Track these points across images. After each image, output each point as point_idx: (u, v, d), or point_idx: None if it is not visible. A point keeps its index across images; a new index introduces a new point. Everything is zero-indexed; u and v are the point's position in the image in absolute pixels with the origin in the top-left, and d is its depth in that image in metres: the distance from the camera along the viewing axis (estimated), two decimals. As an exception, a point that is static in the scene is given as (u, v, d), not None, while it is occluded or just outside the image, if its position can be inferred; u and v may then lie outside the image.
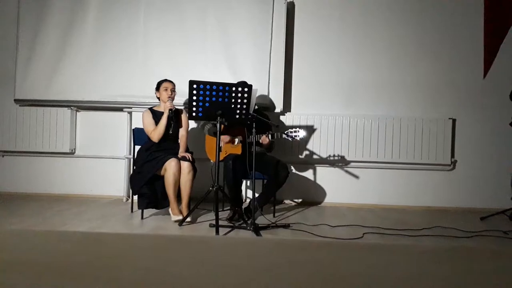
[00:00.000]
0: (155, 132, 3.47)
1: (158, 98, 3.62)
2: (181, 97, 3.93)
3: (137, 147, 3.68)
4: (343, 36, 4.49)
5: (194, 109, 3.05)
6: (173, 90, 3.57)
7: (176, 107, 3.67)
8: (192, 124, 4.32)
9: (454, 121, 4.39)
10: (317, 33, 4.49)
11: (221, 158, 3.43)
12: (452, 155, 4.38)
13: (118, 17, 4.40)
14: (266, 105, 4.27)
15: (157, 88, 3.61)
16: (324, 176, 4.45)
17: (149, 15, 4.38)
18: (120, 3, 4.40)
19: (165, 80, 3.60)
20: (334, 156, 4.36)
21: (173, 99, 3.56)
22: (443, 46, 4.42)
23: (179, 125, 3.62)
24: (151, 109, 3.62)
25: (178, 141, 3.61)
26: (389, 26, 4.45)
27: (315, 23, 4.49)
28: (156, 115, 3.54)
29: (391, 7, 4.45)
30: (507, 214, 3.77)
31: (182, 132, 3.62)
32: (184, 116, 3.65)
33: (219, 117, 3.07)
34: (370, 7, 4.46)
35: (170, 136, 3.56)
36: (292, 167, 4.42)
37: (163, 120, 3.46)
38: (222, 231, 3.03)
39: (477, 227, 3.39)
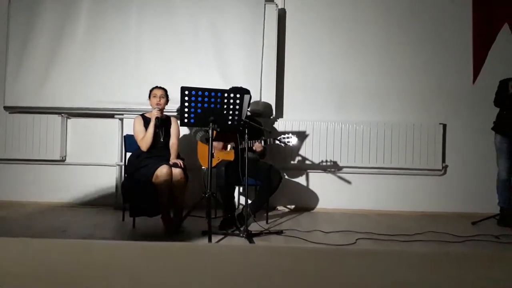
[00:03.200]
0: (143, 141, 3.45)
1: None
2: (174, 103, 3.92)
3: (129, 154, 3.65)
4: (335, 42, 4.52)
5: (186, 115, 3.04)
6: (162, 97, 3.54)
7: (167, 114, 3.66)
8: (185, 130, 4.30)
9: (444, 126, 4.42)
10: (309, 39, 4.52)
11: (213, 165, 3.41)
12: (443, 160, 4.41)
13: (109, 22, 4.38)
14: (259, 111, 4.27)
15: (149, 96, 3.59)
16: (317, 182, 4.45)
17: (141, 20, 4.37)
18: (112, 9, 4.38)
19: (155, 87, 3.58)
20: (326, 161, 4.37)
21: (162, 105, 3.53)
22: (433, 52, 4.47)
23: (169, 133, 3.59)
24: (142, 116, 3.60)
25: (169, 148, 3.58)
26: (380, 33, 4.49)
27: (306, 29, 4.52)
28: (147, 122, 3.52)
29: (382, 14, 4.50)
30: (497, 219, 3.80)
31: (173, 140, 3.59)
32: (174, 123, 3.63)
33: (211, 123, 3.06)
34: (361, 13, 4.50)
35: (161, 144, 3.53)
36: (285, 173, 4.41)
37: (150, 129, 3.44)
38: (214, 238, 3.01)
39: (469, 231, 3.41)
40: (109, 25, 4.38)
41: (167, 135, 3.58)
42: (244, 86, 3.74)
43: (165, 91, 3.58)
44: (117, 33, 4.37)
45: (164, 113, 3.61)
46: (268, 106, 4.33)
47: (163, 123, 3.54)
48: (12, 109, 4.42)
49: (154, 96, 3.52)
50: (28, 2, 4.40)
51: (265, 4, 4.33)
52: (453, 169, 4.44)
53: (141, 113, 3.68)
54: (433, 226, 3.61)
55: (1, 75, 4.43)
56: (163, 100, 3.54)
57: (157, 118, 3.46)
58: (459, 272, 1.17)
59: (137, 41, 4.37)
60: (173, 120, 3.66)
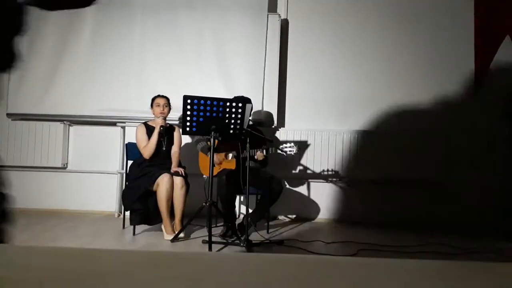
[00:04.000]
0: (146, 149, 3.45)
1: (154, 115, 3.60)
2: (176, 112, 3.93)
3: (130, 162, 3.65)
4: (337, 52, 4.54)
5: (188, 124, 3.05)
6: (166, 106, 3.54)
7: (170, 123, 3.66)
8: (186, 139, 4.30)
9: (447, 137, 4.41)
10: (311, 49, 4.54)
11: (215, 173, 3.41)
12: (445, 172, 4.38)
13: (113, 31, 4.42)
14: (261, 120, 4.28)
15: (151, 104, 3.59)
16: (318, 192, 4.44)
17: (144, 29, 4.40)
18: (115, 18, 4.42)
19: (158, 96, 3.59)
20: (328, 171, 4.36)
21: (166, 114, 3.54)
22: (435, 63, 4.48)
23: (171, 141, 3.60)
24: (145, 124, 3.60)
25: (170, 156, 3.58)
26: (382, 44, 4.51)
27: (308, 40, 4.55)
28: (150, 130, 3.52)
29: (383, 25, 4.52)
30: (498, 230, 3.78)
31: (174, 148, 3.60)
32: (177, 133, 3.64)
33: (213, 132, 3.07)
34: (363, 24, 4.53)
35: (163, 152, 3.53)
36: (286, 182, 4.40)
37: (154, 137, 3.44)
38: (215, 247, 3.00)
39: (471, 243, 3.38)
40: (113, 34, 4.42)
41: (170, 144, 3.58)
42: (246, 96, 3.75)
43: (168, 99, 3.59)
44: (121, 42, 4.40)
45: (167, 122, 3.62)
46: (270, 115, 4.34)
47: (166, 132, 3.54)
48: (15, 116, 4.44)
49: (157, 105, 3.52)
50: (32, 10, 4.44)
51: (267, 15, 4.36)
52: (455, 180, 4.41)
53: (143, 121, 3.68)
54: (434, 237, 3.58)
55: (4, 82, 4.45)
56: (166, 109, 3.54)
57: (161, 126, 3.46)
58: (461, 284, 1.15)
59: (140, 50, 4.39)
60: (176, 128, 3.66)
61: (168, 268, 1.07)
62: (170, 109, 3.60)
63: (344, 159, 4.36)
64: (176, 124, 3.80)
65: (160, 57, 4.37)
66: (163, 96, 3.58)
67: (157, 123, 3.47)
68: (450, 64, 4.47)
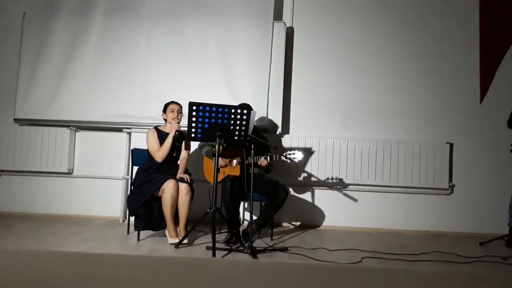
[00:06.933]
0: (159, 152, 3.45)
1: (165, 120, 3.60)
2: (184, 119, 3.94)
3: (135, 168, 3.66)
4: (341, 60, 4.55)
5: (193, 130, 3.07)
6: (179, 112, 3.56)
7: (182, 129, 3.64)
8: (193, 145, 4.31)
9: (451, 145, 4.40)
10: (316, 57, 4.56)
11: (219, 180, 3.41)
12: (450, 180, 4.37)
13: (120, 38, 4.46)
14: (265, 127, 4.28)
15: (164, 110, 3.60)
16: (323, 199, 4.43)
17: (151, 37, 4.44)
18: (122, 25, 4.47)
19: (172, 102, 3.59)
20: (332, 178, 4.35)
21: (180, 120, 3.55)
22: (440, 71, 4.48)
23: (183, 147, 3.60)
24: (156, 128, 3.61)
25: (178, 162, 3.59)
26: (386, 51, 4.52)
27: (313, 47, 4.56)
28: (161, 135, 3.52)
29: (388, 32, 4.53)
30: (505, 240, 3.74)
31: (183, 155, 3.60)
32: (187, 139, 3.64)
33: (217, 138, 3.08)
34: (367, 32, 4.54)
35: (173, 158, 3.54)
36: (291, 189, 4.40)
37: (169, 141, 3.44)
38: (219, 253, 3.00)
39: (477, 252, 3.36)
40: (119, 42, 4.46)
41: (180, 150, 3.59)
42: (251, 102, 3.76)
43: (181, 106, 3.60)
44: (127, 50, 4.44)
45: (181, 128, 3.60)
46: (274, 122, 4.34)
47: (181, 137, 3.54)
48: (22, 122, 4.49)
49: (172, 111, 3.52)
50: (41, 17, 4.51)
51: (273, 23, 4.39)
52: (460, 188, 4.40)
53: (149, 127, 3.70)
54: (439, 246, 3.56)
55: (12, 88, 4.51)
56: (180, 115, 3.55)
57: (177, 131, 3.46)
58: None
59: (147, 57, 4.43)
60: (186, 135, 3.66)
61: (171, 273, 1.08)
62: (182, 116, 3.60)
63: (348, 166, 4.35)
64: (186, 131, 3.81)
65: (166, 64, 4.40)
66: (177, 103, 3.59)
67: (173, 127, 3.45)
68: (455, 73, 4.47)
